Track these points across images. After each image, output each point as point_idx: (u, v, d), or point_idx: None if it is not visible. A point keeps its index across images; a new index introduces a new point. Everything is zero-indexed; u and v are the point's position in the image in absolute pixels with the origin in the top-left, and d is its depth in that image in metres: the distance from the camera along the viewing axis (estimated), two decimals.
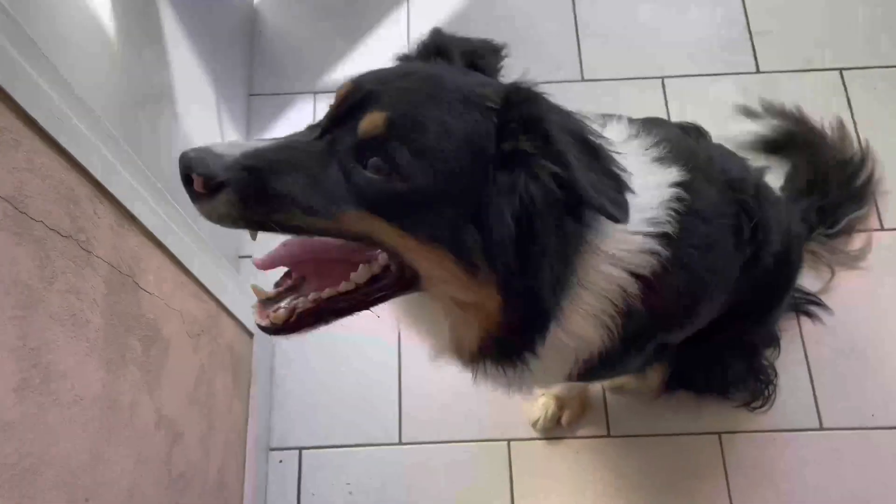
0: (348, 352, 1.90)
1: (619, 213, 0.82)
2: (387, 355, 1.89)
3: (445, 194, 0.83)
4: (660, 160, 1.10)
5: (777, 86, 2.16)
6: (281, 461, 1.80)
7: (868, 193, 1.98)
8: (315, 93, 2.20)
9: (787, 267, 1.49)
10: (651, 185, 1.05)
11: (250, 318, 1.74)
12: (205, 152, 0.81)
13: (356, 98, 0.87)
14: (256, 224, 0.84)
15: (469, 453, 1.80)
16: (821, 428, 1.82)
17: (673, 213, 1.05)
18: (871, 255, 1.95)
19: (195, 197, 0.82)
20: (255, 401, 1.70)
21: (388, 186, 0.82)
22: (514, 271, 0.87)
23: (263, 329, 0.95)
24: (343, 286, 0.92)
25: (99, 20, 1.31)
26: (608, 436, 1.82)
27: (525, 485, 1.77)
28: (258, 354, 1.77)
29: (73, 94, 1.00)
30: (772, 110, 2.05)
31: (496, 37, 1.05)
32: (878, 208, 2.00)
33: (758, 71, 2.20)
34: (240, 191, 0.80)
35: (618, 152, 0.91)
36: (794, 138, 2.00)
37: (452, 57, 1.00)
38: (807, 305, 1.90)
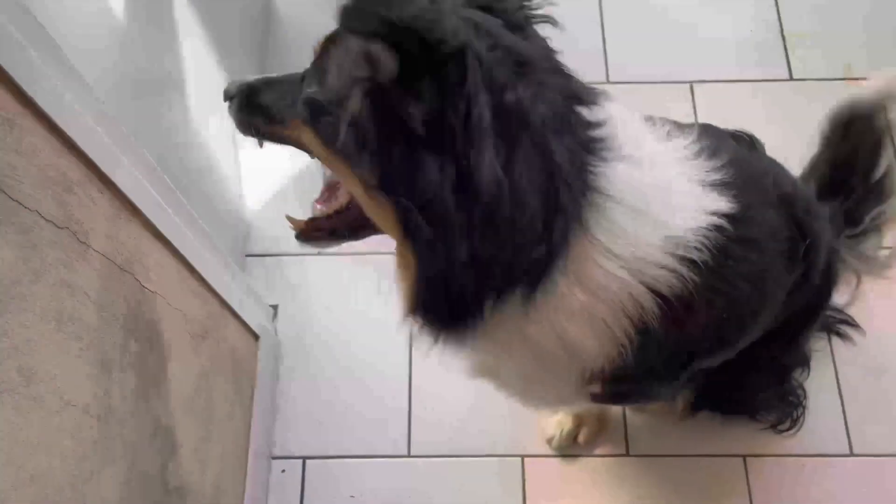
0: (357, 358, 1.82)
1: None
2: (397, 365, 1.81)
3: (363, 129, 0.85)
4: (714, 186, 0.99)
5: (810, 94, 2.08)
6: (283, 471, 1.71)
7: (889, 186, 1.85)
8: None
9: (826, 283, 1.41)
10: (689, 208, 0.95)
11: (256, 318, 1.66)
12: (239, 80, 1.06)
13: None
14: (252, 129, 1.04)
15: (481, 469, 1.71)
16: (851, 453, 1.72)
17: (706, 242, 0.94)
18: None
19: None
20: (257, 406, 1.62)
21: (309, 97, 0.93)
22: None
23: (297, 237, 1.12)
24: (324, 209, 1.09)
25: (108, 7, 1.24)
26: (627, 455, 1.73)
27: (539, 503, 1.68)
28: (262, 357, 1.68)
29: (75, 73, 0.93)
30: None
31: None
32: None
33: (791, 78, 2.12)
34: (238, 102, 1.04)
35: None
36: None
37: None
38: (838, 324, 1.81)
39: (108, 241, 0.99)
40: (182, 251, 1.22)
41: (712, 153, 1.02)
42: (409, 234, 0.84)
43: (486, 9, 0.91)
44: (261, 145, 1.06)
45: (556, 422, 1.71)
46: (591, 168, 0.87)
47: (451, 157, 0.78)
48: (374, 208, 0.89)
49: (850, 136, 1.84)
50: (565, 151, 0.84)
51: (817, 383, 1.76)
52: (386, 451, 1.73)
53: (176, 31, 1.57)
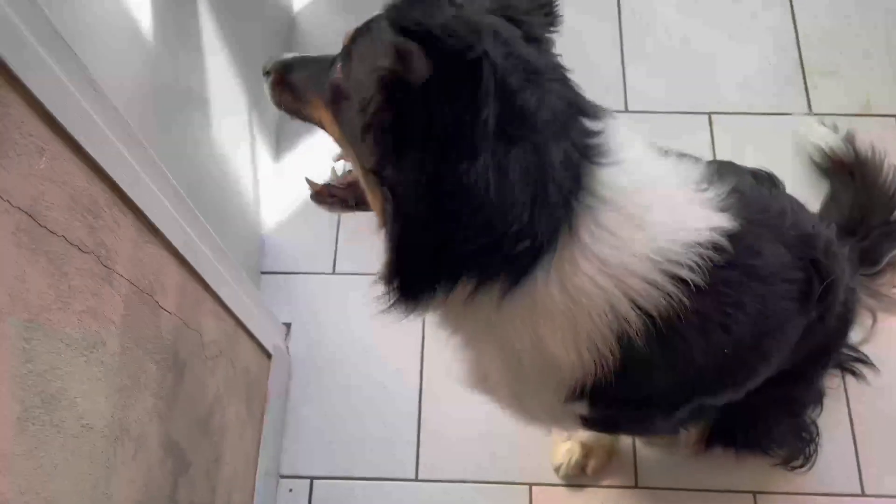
0: (368, 379, 1.82)
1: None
2: (407, 388, 1.80)
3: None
4: (717, 209, 0.97)
5: (831, 127, 2.07)
6: (291, 490, 1.71)
7: None
8: None
9: (843, 324, 1.40)
10: (685, 223, 0.93)
11: (269, 338, 1.67)
12: (278, 57, 1.15)
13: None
14: (282, 105, 1.15)
15: (488, 495, 1.70)
16: (862, 494, 1.71)
17: (701, 262, 0.92)
18: None
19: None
20: (267, 425, 1.62)
21: (333, 81, 1.00)
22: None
23: (312, 197, 1.24)
24: (331, 179, 1.22)
25: (135, 20, 1.25)
26: (636, 487, 1.72)
27: None
28: (274, 376, 1.68)
29: (104, 98, 0.94)
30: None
31: None
32: None
33: (810, 112, 2.11)
34: (273, 78, 1.14)
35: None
36: (843, 167, 1.90)
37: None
38: (852, 363, 1.80)
39: (132, 265, 0.99)
40: (200, 272, 1.22)
41: (721, 183, 1.00)
42: (385, 221, 0.93)
43: (510, 19, 0.94)
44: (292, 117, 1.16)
45: (565, 450, 1.70)
46: (585, 170, 0.88)
47: (441, 157, 0.82)
48: (368, 189, 0.98)
49: (861, 178, 1.85)
50: (560, 152, 0.85)
51: (830, 421, 1.74)
52: (394, 474, 1.72)
53: (200, 47, 1.58)
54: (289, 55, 1.14)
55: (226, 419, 1.39)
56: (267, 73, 1.14)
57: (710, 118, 2.11)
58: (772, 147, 2.03)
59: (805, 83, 2.16)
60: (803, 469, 1.69)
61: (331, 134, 1.06)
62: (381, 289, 0.97)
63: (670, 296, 0.91)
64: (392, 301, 0.95)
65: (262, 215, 1.98)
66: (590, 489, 1.71)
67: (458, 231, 0.85)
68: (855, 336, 1.78)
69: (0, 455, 0.73)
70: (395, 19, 0.82)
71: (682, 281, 0.92)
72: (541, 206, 0.85)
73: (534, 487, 1.71)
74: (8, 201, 0.73)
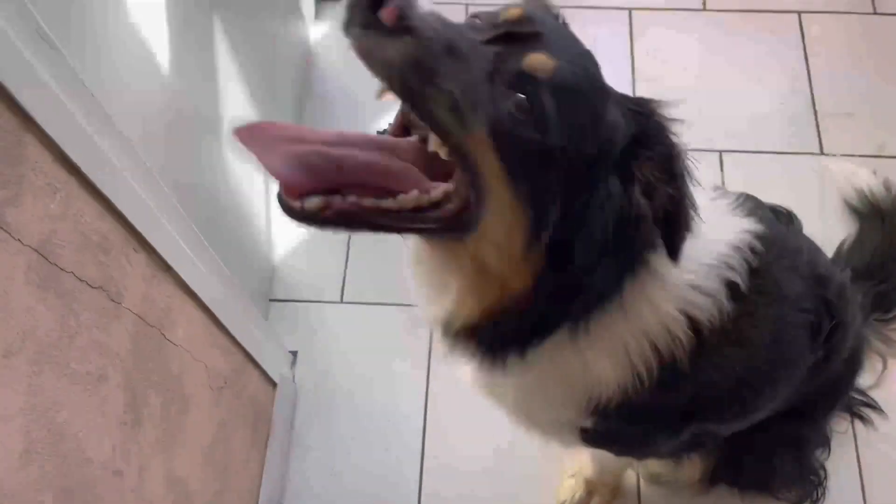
0: (373, 411, 1.82)
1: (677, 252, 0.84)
2: (412, 422, 1.80)
3: (561, 165, 0.80)
4: (740, 212, 1.03)
5: None
6: None
7: None
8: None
9: (852, 367, 1.39)
10: (728, 225, 0.99)
11: (276, 367, 1.68)
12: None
13: (524, 28, 0.83)
14: (402, 87, 0.75)
15: None
16: None
17: (745, 263, 0.97)
18: None
19: (367, 24, 0.71)
20: (271, 455, 1.63)
21: (521, 129, 0.78)
22: (571, 267, 0.84)
23: (289, 211, 0.80)
24: (389, 203, 0.80)
25: (152, 53, 1.28)
26: None
27: None
28: (280, 405, 1.69)
29: (121, 136, 0.96)
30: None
31: None
32: None
33: (821, 152, 2.11)
34: (420, 46, 0.72)
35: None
36: (877, 211, 1.90)
37: None
38: (861, 407, 1.78)
39: (141, 300, 1.01)
40: (210, 305, 1.24)
41: (748, 209, 1.05)
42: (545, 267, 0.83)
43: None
44: (380, 97, 0.84)
45: (569, 487, 1.70)
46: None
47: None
48: (501, 211, 0.81)
49: (891, 223, 1.85)
50: None
51: (838, 464, 1.72)
52: None
53: (216, 77, 1.61)
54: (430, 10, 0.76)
55: (230, 448, 1.40)
56: (406, 28, 0.71)
57: (720, 156, 2.11)
58: (783, 187, 2.02)
59: (817, 124, 2.16)
60: None
61: (471, 173, 0.80)
62: (467, 344, 0.93)
63: (720, 300, 0.94)
64: (477, 358, 0.93)
65: (273, 243, 2.00)
66: None
67: (585, 274, 0.84)
68: (864, 380, 1.77)
69: (2, 489, 0.74)
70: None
71: (731, 286, 0.95)
72: (627, 246, 0.86)
73: None
74: (19, 240, 0.75)
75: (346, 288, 1.97)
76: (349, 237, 2.03)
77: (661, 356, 0.95)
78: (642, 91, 2.21)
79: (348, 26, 0.72)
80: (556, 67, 0.79)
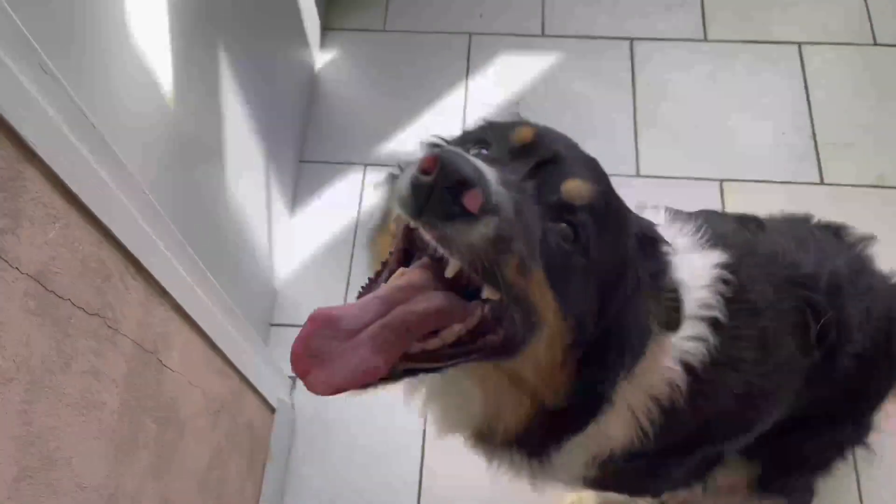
0: (371, 443, 1.81)
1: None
2: (410, 456, 1.80)
3: (598, 279, 0.83)
4: (703, 244, 1.08)
5: (842, 198, 2.08)
6: None
7: None
8: (366, 164, 2.18)
9: (886, 362, 1.32)
10: (697, 267, 1.02)
11: (274, 392, 1.68)
12: (476, 168, 0.68)
13: (542, 153, 0.84)
14: (480, 264, 0.70)
15: None
16: None
17: (720, 297, 1.02)
18: None
19: (449, 214, 0.67)
20: (268, 483, 1.62)
21: (569, 257, 0.80)
22: (602, 369, 0.88)
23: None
24: (436, 342, 0.77)
25: (156, 82, 1.30)
26: None
27: None
28: (277, 431, 1.70)
29: (119, 165, 0.98)
30: None
31: (555, 122, 0.97)
32: None
33: (822, 182, 2.12)
34: (501, 222, 0.70)
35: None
36: None
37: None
38: None
39: (138, 326, 1.02)
40: (208, 331, 1.25)
41: (711, 236, 1.09)
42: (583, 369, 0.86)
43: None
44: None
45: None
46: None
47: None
48: (550, 334, 0.82)
49: None
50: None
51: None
52: None
53: (219, 104, 1.64)
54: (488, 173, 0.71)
55: (226, 474, 1.40)
56: (487, 210, 0.68)
57: (721, 185, 2.12)
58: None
59: (818, 154, 2.17)
60: None
61: (522, 305, 0.79)
62: (499, 453, 0.99)
63: (707, 341, 0.99)
64: (522, 463, 0.98)
65: (275, 269, 2.02)
66: None
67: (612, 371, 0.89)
68: None
69: None
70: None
71: (713, 322, 1.00)
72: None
73: None
74: (17, 269, 0.76)
75: None
76: (351, 259, 2.04)
77: (663, 406, 0.99)
78: (644, 121, 2.23)
79: (418, 213, 0.68)
80: (593, 193, 0.82)
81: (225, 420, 1.38)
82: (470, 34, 2.39)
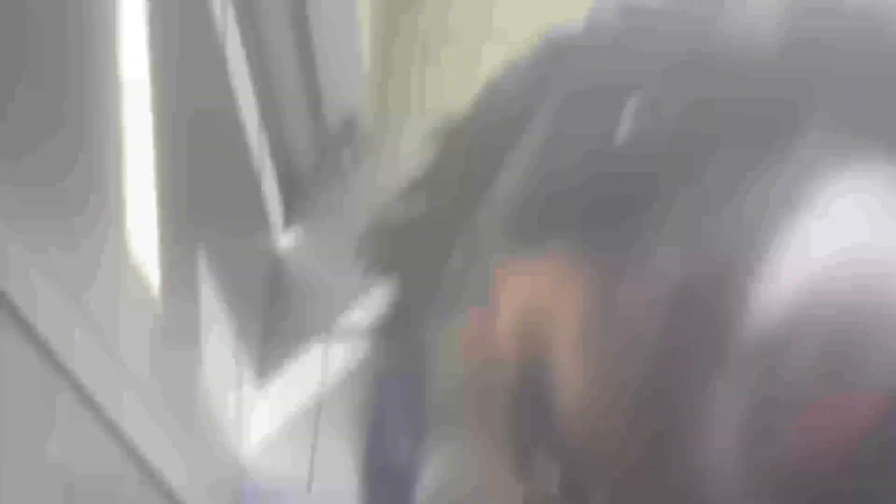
0: None
1: None
2: None
3: None
4: None
5: None
6: None
7: None
8: (328, 334, 2.31)
9: None
10: None
11: None
12: None
13: None
14: None
15: None
16: None
17: None
18: None
19: None
20: None
21: None
22: None
23: None
24: None
25: (148, 285, 1.43)
26: None
27: None
28: None
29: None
30: None
31: None
32: None
33: None
34: None
35: None
36: None
37: None
38: None
39: None
40: None
41: None
42: None
43: None
44: None
45: None
46: None
47: None
48: None
49: None
50: None
51: None
52: None
53: (195, 296, 1.76)
54: None
55: None
56: None
57: None
58: None
59: None
60: None
61: None
62: None
63: None
64: None
65: (243, 452, 2.07)
66: None
67: None
68: None
69: None
70: None
71: None
72: None
73: None
74: None
75: None
76: (316, 433, 2.12)
77: None
78: None
79: None
80: None
81: None
82: None
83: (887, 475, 0.23)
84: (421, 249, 0.41)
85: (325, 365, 2.26)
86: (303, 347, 2.30)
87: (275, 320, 2.36)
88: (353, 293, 2.41)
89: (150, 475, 1.19)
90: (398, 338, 0.44)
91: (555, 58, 0.31)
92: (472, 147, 0.35)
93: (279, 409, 2.18)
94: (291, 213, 2.62)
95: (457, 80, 2.48)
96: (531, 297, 0.27)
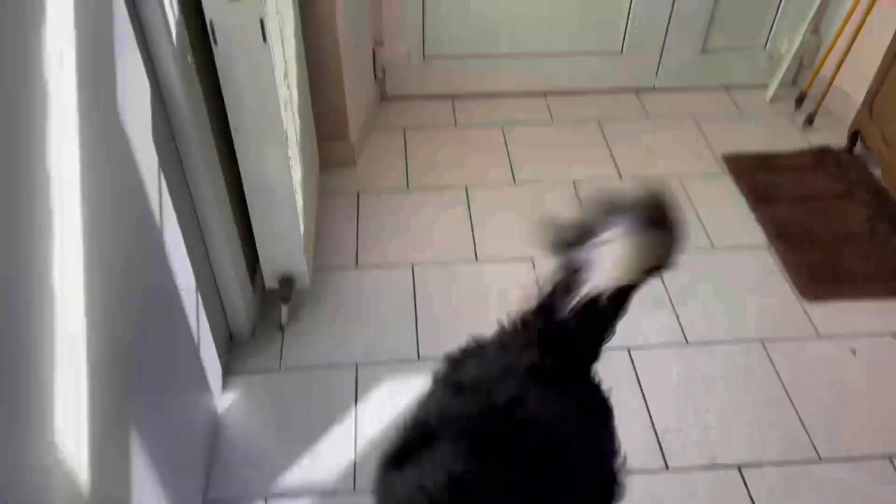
0: None
1: None
2: None
3: None
4: None
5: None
6: None
7: None
8: (266, 498, 2.26)
9: None
10: None
11: None
12: None
13: None
14: None
15: None
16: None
17: None
18: None
19: None
20: None
21: None
22: None
23: None
24: None
25: (76, 461, 1.41)
26: None
27: None
28: None
29: None
30: None
31: None
32: None
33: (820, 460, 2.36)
34: None
35: None
36: None
37: None
38: None
39: None
40: None
41: None
42: None
43: None
44: None
45: None
46: None
47: None
48: None
49: None
50: None
51: None
52: None
53: (129, 463, 1.72)
54: None
55: None
56: None
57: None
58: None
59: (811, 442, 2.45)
60: None
61: None
62: None
63: None
64: None
65: None
66: None
67: None
68: None
69: None
70: None
71: None
72: None
73: None
74: None
75: None
76: None
77: None
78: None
79: None
80: None
81: None
82: (356, 364, 2.65)
83: None
84: None
85: None
86: None
87: (213, 485, 2.30)
88: (288, 452, 2.39)
89: None
90: None
91: None
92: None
93: None
94: (230, 375, 2.63)
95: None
96: None
